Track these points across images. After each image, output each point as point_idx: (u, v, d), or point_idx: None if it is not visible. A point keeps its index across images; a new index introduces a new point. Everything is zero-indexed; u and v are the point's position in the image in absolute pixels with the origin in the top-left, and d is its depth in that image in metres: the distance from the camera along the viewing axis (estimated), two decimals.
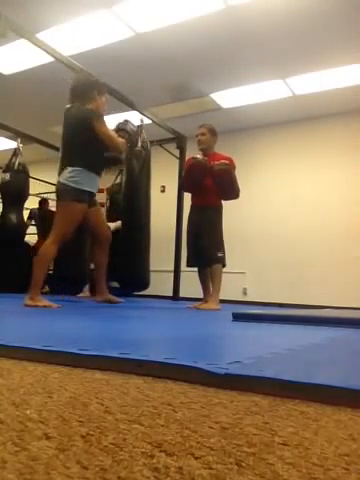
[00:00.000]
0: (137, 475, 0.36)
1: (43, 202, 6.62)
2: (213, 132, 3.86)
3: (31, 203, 6.37)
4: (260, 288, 6.51)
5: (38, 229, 6.46)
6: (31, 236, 6.23)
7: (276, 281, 6.37)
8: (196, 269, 3.92)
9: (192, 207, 3.91)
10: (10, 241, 5.56)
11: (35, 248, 5.95)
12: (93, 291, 6.06)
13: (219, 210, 3.81)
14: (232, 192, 3.74)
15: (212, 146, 3.85)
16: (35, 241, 6.32)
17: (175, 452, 0.41)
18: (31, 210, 6.56)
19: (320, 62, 5.07)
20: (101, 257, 3.21)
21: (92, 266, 5.17)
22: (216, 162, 3.67)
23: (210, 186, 3.69)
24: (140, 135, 4.82)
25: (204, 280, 3.83)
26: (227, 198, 3.83)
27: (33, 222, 6.53)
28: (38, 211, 6.48)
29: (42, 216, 6.24)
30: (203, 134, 3.82)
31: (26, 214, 6.10)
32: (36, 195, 6.63)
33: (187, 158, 3.99)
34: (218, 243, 3.72)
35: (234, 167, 3.76)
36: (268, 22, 4.37)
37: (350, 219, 6.02)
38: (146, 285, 4.76)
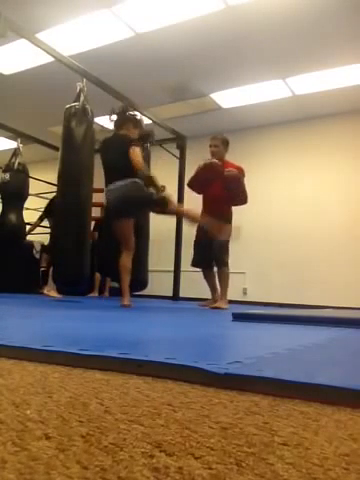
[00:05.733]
0: (137, 475, 0.36)
1: None
2: (226, 143, 4.01)
3: (31, 203, 6.36)
4: (260, 288, 6.51)
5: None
6: (34, 236, 6.18)
7: (276, 281, 6.37)
8: (195, 270, 4.09)
9: (204, 213, 4.00)
10: (10, 241, 5.56)
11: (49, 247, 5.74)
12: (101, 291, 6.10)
13: (230, 219, 3.98)
14: (241, 197, 3.94)
15: (224, 156, 4.00)
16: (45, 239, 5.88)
17: (175, 452, 0.41)
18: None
19: (320, 62, 5.07)
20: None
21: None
22: (227, 169, 3.85)
23: (222, 196, 3.85)
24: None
25: (210, 280, 4.01)
26: (235, 203, 4.00)
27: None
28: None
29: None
30: (216, 146, 3.96)
31: (27, 214, 6.06)
32: (36, 195, 6.62)
33: (200, 163, 4.10)
34: (226, 249, 3.92)
35: (243, 175, 3.93)
36: (268, 22, 4.37)
37: (350, 219, 6.01)
38: (144, 285, 4.75)
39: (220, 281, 3.91)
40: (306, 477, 0.37)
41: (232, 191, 3.86)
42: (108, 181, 3.42)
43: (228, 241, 3.94)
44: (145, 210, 3.85)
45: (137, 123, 3.61)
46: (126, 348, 0.99)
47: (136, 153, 3.29)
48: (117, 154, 3.36)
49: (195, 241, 4.07)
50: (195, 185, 4.07)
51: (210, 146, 3.99)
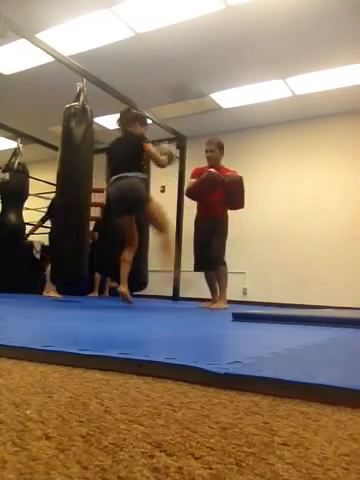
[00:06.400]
0: (137, 475, 0.36)
1: None
2: (221, 147, 3.99)
3: (31, 203, 6.36)
4: (260, 288, 6.51)
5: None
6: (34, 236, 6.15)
7: (276, 281, 6.36)
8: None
9: (200, 217, 4.03)
10: (10, 241, 5.55)
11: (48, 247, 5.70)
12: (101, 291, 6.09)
13: (226, 221, 3.98)
14: (240, 201, 3.94)
15: (220, 160, 3.99)
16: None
17: (175, 452, 0.41)
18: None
19: (320, 62, 5.07)
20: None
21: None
22: (227, 174, 3.85)
23: (218, 200, 3.85)
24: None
25: (211, 283, 4.01)
26: (234, 207, 4.00)
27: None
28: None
29: None
30: (212, 150, 3.94)
31: (27, 214, 6.05)
32: (36, 195, 6.62)
33: (193, 168, 4.08)
34: (222, 249, 3.92)
35: None
36: (268, 22, 4.37)
37: (350, 219, 6.01)
38: (144, 285, 4.75)
39: (218, 280, 3.92)
40: (306, 477, 0.37)
41: (233, 195, 3.86)
42: (113, 174, 3.46)
43: (224, 241, 3.94)
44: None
45: (143, 121, 3.71)
46: (126, 348, 0.99)
47: (151, 148, 3.45)
48: (125, 151, 3.44)
49: (195, 248, 4.04)
50: (195, 195, 4.03)
51: (206, 151, 3.96)
